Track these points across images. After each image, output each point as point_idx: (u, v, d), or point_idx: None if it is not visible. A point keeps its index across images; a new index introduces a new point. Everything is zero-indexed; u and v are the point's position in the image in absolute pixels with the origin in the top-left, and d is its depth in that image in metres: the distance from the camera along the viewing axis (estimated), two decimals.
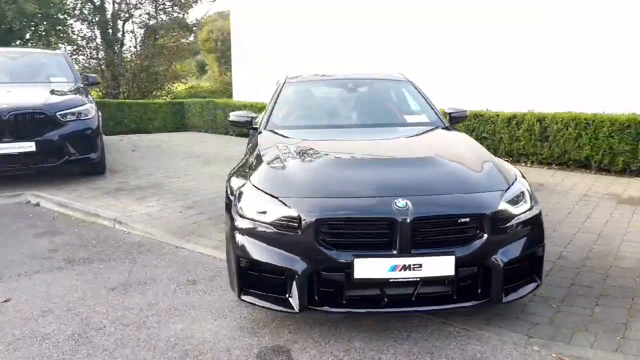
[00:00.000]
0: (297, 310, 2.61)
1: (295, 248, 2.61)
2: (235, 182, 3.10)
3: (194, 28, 21.76)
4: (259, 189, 2.83)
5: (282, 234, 2.63)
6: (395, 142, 3.78)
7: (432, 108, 4.32)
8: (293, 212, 2.60)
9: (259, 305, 2.77)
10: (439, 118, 4.21)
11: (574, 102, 7.45)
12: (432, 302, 2.69)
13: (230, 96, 14.26)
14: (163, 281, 3.56)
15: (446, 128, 4.08)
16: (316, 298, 2.65)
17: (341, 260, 2.54)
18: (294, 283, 2.61)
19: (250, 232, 2.72)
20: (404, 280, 2.57)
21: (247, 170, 3.18)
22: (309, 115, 4.35)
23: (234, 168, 3.48)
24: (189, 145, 10.08)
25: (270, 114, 4.17)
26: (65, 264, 3.90)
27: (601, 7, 7.48)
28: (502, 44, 8.49)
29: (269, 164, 3.11)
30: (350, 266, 2.52)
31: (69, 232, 4.71)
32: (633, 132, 6.55)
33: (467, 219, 2.62)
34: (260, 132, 3.94)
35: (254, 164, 3.22)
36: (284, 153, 3.26)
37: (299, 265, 2.58)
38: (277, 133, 3.84)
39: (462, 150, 3.34)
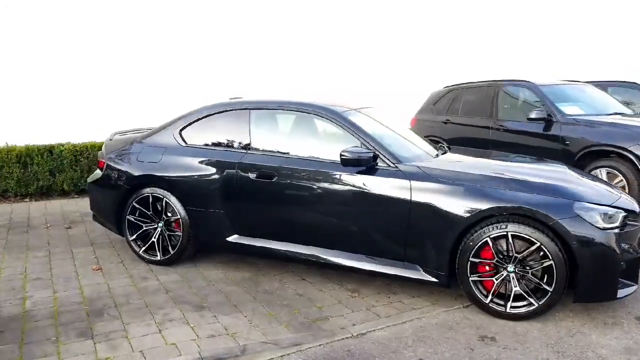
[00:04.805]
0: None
1: (634, 238, 3.41)
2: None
3: None
4: (595, 204, 3.31)
5: (627, 231, 3.35)
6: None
7: None
8: (622, 213, 3.37)
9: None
10: None
11: None
12: None
13: None
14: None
15: None
16: None
17: None
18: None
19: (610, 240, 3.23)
20: None
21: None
22: (398, 145, 4.07)
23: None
24: None
25: (381, 146, 3.77)
26: None
27: None
28: None
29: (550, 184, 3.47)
30: None
31: None
32: None
33: None
34: (395, 168, 3.62)
35: (527, 188, 3.37)
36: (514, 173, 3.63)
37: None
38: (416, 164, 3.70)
39: None
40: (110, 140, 4.77)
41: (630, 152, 5.78)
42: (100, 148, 7.10)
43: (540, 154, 6.78)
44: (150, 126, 5.48)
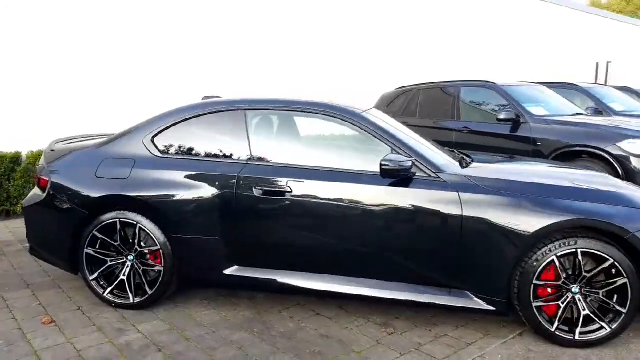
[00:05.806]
0: None
1: None
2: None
3: None
4: None
5: None
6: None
7: None
8: None
9: None
10: None
11: None
12: None
13: None
14: None
15: None
16: None
17: None
18: None
19: None
20: None
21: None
22: (429, 151, 3.47)
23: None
24: None
25: (417, 153, 3.20)
26: None
27: None
28: None
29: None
30: None
31: None
32: None
33: None
34: (437, 178, 3.07)
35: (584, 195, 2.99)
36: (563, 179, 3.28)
37: None
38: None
39: None
40: (52, 150, 3.71)
41: (608, 152, 5.75)
42: (12, 159, 5.87)
43: None
44: (86, 132, 4.50)
